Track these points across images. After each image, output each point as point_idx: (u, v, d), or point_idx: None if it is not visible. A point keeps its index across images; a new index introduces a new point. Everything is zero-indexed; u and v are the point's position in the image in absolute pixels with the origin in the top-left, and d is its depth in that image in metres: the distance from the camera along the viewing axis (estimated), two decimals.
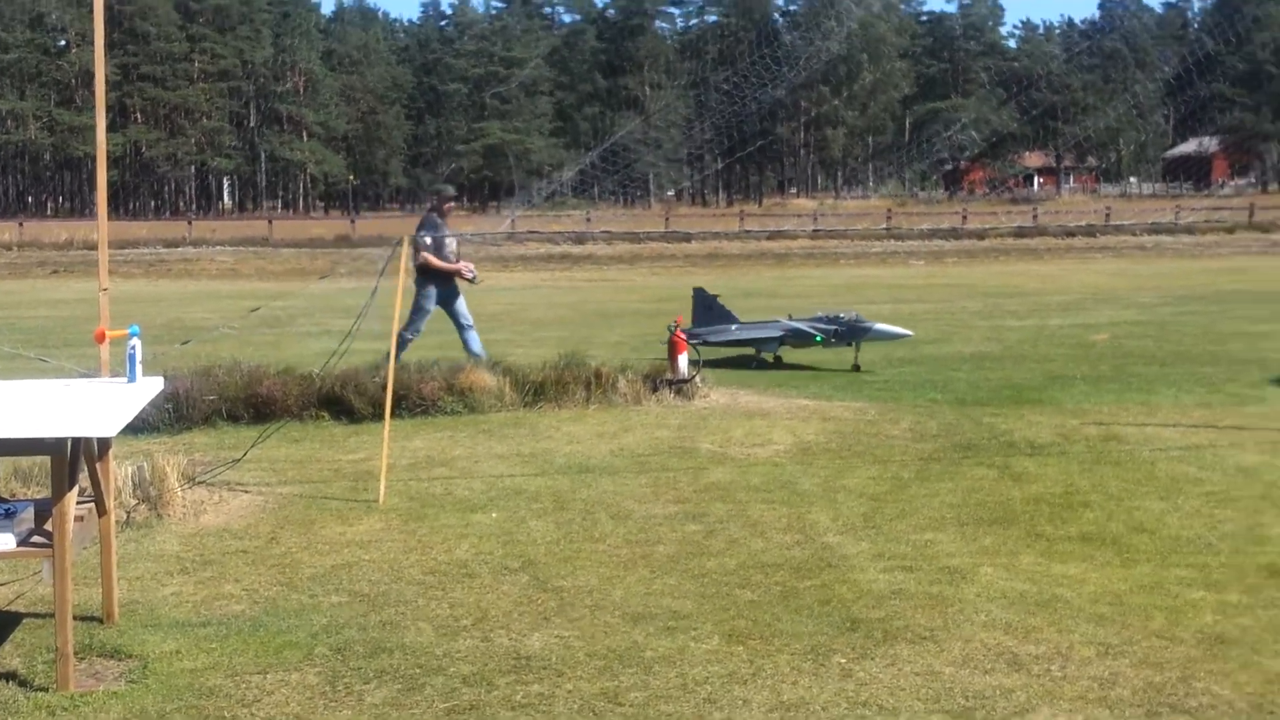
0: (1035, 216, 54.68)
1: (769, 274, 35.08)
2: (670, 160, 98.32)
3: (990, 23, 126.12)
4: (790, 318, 15.95)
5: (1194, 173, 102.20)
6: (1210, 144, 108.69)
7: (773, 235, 50.71)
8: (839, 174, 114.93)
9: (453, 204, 15.09)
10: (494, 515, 8.51)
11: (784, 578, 7.08)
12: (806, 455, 10.37)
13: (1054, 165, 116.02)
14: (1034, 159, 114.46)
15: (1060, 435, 10.97)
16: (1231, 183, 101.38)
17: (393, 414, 10.17)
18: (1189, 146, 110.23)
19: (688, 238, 49.98)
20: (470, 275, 14.23)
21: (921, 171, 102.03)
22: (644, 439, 11.00)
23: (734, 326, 16.00)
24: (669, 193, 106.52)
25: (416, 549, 7.75)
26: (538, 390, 12.50)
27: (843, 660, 5.82)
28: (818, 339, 14.91)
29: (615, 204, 78.61)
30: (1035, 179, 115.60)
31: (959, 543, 7.75)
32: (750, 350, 15.83)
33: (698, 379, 12.89)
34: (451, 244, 14.47)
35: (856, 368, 14.86)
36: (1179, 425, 11.34)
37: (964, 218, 54.24)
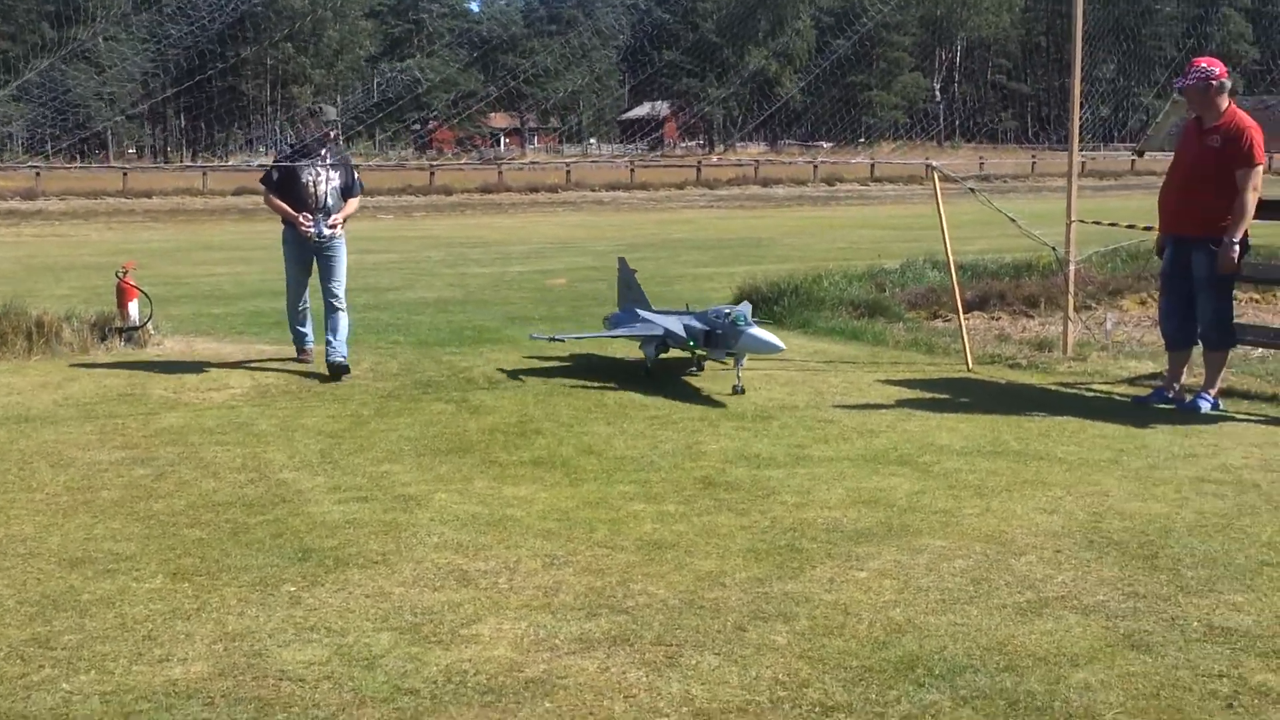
0: (500, 174, 55.79)
1: (234, 228, 34.06)
2: (130, 117, 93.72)
3: None
4: (688, 309, 11.72)
5: (648, 134, 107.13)
6: (662, 108, 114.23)
7: (239, 191, 49.30)
8: None
9: (329, 129, 11.27)
10: None
11: (235, 515, 6.91)
12: (265, 397, 10.15)
13: (519, 126, 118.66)
14: (500, 120, 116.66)
15: (517, 370, 11.25)
16: (683, 144, 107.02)
17: None
18: (643, 110, 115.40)
19: (149, 194, 47.80)
20: (311, 229, 10.88)
21: (392, 130, 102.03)
22: (91, 387, 10.43)
23: (643, 315, 11.55)
24: (130, 150, 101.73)
25: None
26: None
27: (292, 589, 5.74)
28: (690, 344, 10.50)
29: (71, 160, 74.06)
30: (502, 139, 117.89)
31: (415, 472, 7.81)
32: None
33: (150, 326, 12.35)
34: (322, 181, 11.00)
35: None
36: (628, 356, 11.86)
37: (432, 175, 54.62)
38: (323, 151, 11.10)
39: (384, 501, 7.16)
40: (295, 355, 11.61)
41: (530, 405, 9.77)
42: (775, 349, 9.97)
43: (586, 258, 23.69)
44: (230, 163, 73.11)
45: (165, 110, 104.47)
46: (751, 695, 4.64)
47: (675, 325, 10.81)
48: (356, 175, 11.46)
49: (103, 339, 12.10)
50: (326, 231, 10.93)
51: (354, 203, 11.36)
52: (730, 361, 10.43)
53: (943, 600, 5.57)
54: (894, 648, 5.05)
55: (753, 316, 10.33)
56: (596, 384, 10.58)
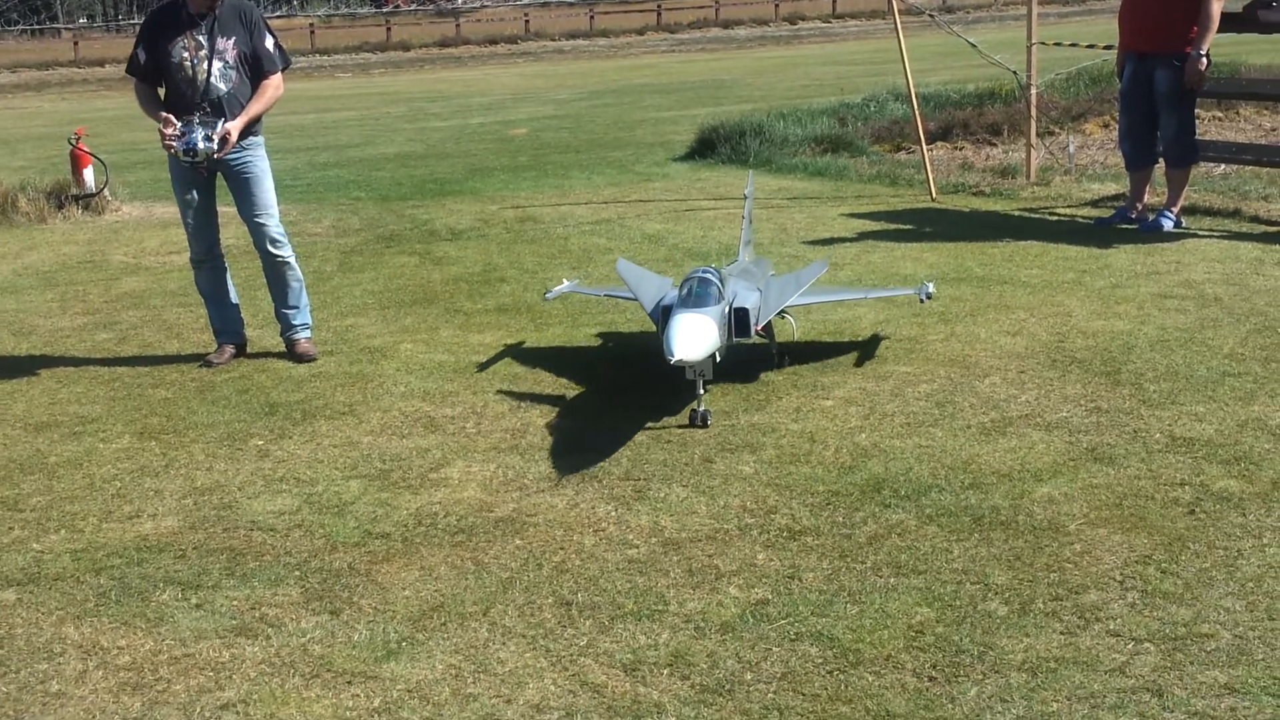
0: (458, 27, 54.91)
1: None
2: None
3: None
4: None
5: None
6: None
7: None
8: None
9: None
10: None
11: (199, 374, 6.90)
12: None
13: None
14: None
15: (480, 220, 11.17)
16: None
17: None
18: None
19: (101, 63, 46.99)
20: (177, 145, 6.61)
21: None
22: (50, 256, 10.34)
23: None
24: (81, 20, 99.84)
25: None
26: None
27: (260, 442, 5.75)
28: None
29: (21, 35, 72.58)
30: None
31: (380, 325, 7.79)
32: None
33: (106, 192, 12.20)
34: (204, 57, 6.67)
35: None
36: (590, 203, 11.79)
37: (389, 30, 53.73)
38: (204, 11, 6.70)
39: (349, 354, 7.15)
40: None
41: (494, 254, 9.72)
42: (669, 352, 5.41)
43: (547, 107, 23.43)
44: None
45: None
46: (720, 523, 4.68)
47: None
48: (273, 40, 6.93)
49: (60, 207, 11.96)
50: (202, 145, 6.60)
51: (268, 88, 6.88)
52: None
53: (908, 424, 5.60)
54: (860, 471, 5.09)
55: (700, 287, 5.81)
56: (561, 231, 10.52)
